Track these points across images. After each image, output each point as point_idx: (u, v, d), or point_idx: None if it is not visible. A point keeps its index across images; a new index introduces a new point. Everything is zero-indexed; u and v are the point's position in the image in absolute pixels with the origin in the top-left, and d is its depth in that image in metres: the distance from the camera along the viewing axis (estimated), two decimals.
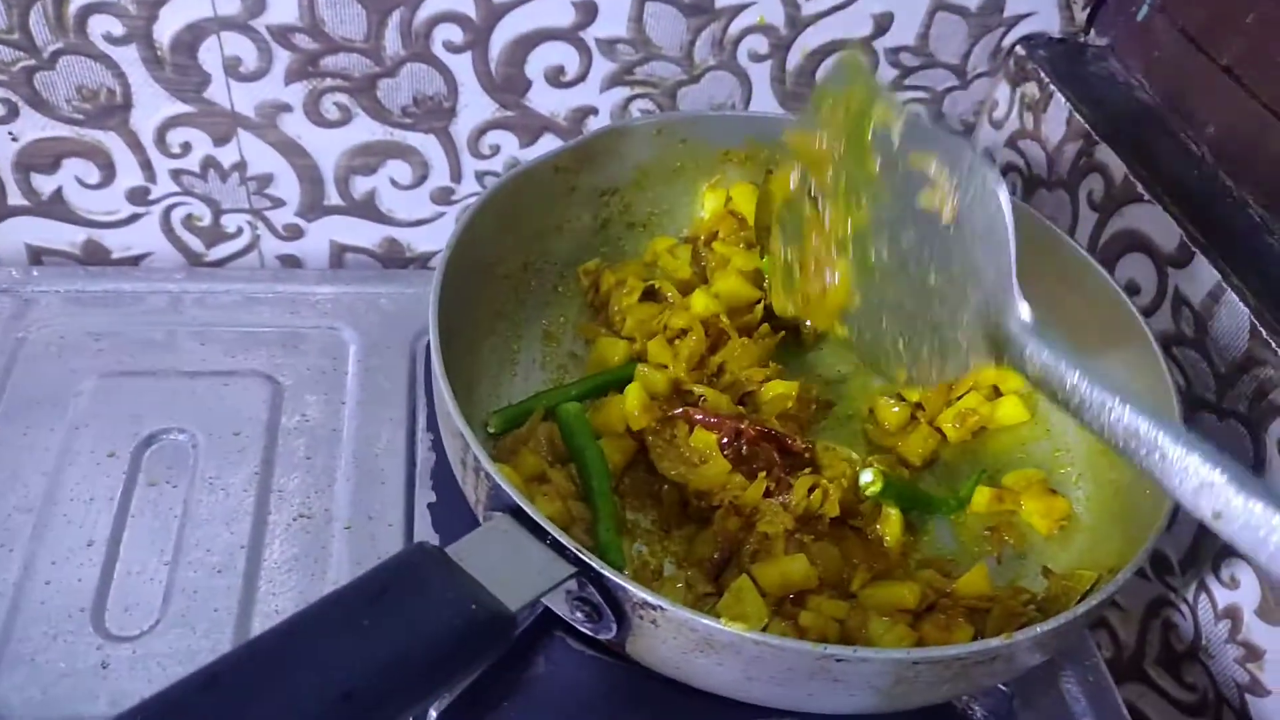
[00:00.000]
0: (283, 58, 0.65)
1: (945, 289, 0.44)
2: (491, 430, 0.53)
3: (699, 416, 0.53)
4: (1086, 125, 0.66)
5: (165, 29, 0.63)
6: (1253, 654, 0.53)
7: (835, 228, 0.47)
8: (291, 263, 0.75)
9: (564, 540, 0.41)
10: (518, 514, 0.42)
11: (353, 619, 0.34)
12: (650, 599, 0.40)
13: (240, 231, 0.73)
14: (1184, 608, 0.58)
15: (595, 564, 0.41)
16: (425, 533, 0.54)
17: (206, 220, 0.72)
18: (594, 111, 0.71)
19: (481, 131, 0.70)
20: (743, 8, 0.67)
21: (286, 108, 0.67)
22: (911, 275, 0.45)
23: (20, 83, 0.63)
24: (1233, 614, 0.54)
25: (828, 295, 0.48)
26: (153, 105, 0.66)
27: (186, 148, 0.68)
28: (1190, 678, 0.57)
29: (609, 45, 0.68)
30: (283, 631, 0.33)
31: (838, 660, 0.39)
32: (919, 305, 0.45)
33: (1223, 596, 0.54)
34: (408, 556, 0.38)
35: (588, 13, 0.66)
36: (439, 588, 0.37)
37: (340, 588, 0.35)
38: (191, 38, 0.63)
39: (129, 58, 0.63)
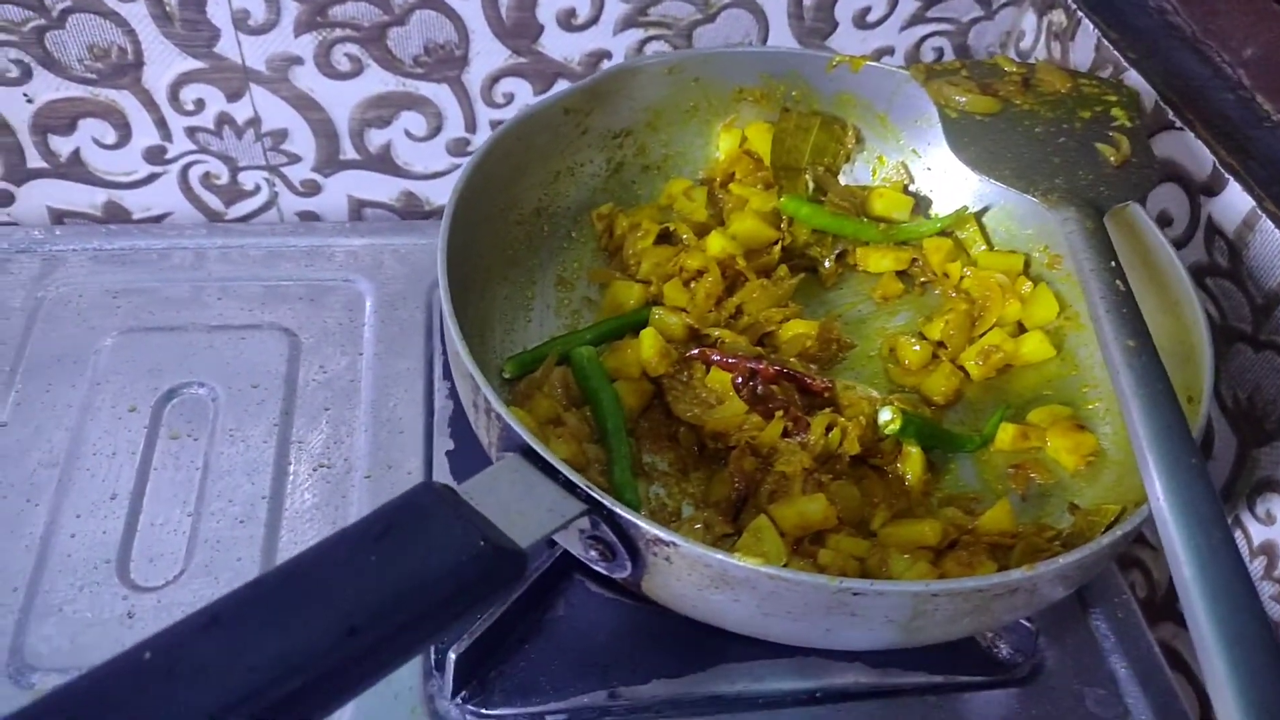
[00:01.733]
0: (291, 9, 0.64)
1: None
2: (507, 375, 0.53)
3: (715, 357, 0.52)
4: (1115, 51, 0.63)
5: None
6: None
7: None
8: (310, 219, 0.75)
9: (575, 479, 0.41)
10: (529, 454, 0.42)
11: (357, 556, 0.34)
12: (663, 535, 0.40)
13: (258, 189, 0.73)
14: None
15: (607, 501, 0.40)
16: (443, 479, 0.54)
17: (224, 178, 0.72)
18: (608, 55, 0.70)
19: (495, 79, 0.70)
20: None
21: (298, 60, 0.67)
22: None
23: (31, 43, 0.63)
24: (1268, 550, 0.52)
25: None
26: (164, 62, 0.66)
27: (200, 104, 0.68)
28: None
29: None
30: (285, 570, 0.33)
31: (854, 594, 0.39)
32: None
33: (1258, 533, 0.53)
34: (415, 495, 0.37)
35: None
36: (447, 525, 0.37)
37: (345, 526, 0.35)
38: None
39: (138, 14, 0.63)
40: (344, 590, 0.33)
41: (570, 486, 0.41)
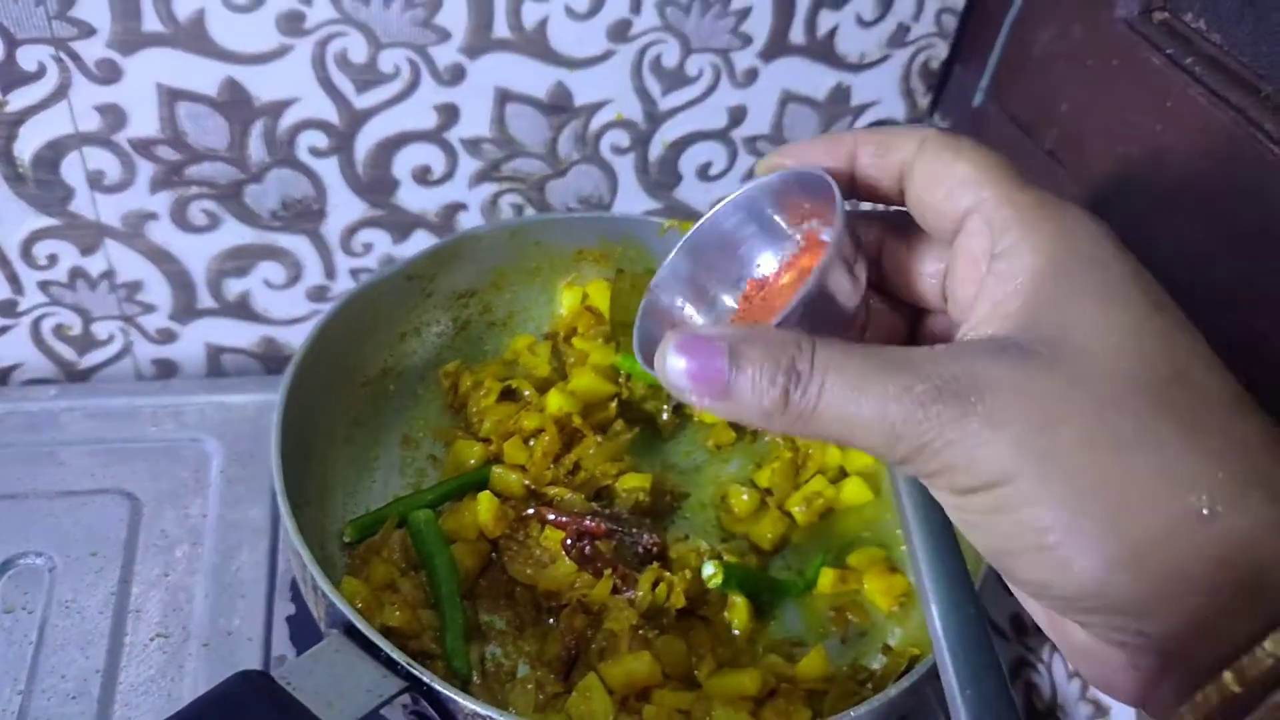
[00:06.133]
0: (146, 169, 0.66)
1: None
2: (347, 539, 0.54)
3: (550, 516, 0.54)
4: None
5: (26, 147, 0.63)
6: (1100, 710, 0.55)
7: None
8: (166, 367, 0.75)
9: (396, 655, 0.42)
10: (351, 631, 0.43)
11: None
12: (480, 710, 0.41)
13: (112, 338, 0.73)
14: (1041, 668, 0.60)
15: (425, 677, 0.42)
16: (283, 646, 0.54)
17: (77, 329, 0.72)
18: (463, 207, 0.73)
19: (353, 231, 0.72)
20: (600, 105, 0.70)
21: (153, 216, 0.68)
22: None
23: None
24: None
25: None
26: (16, 220, 0.66)
27: (54, 259, 0.69)
28: None
29: (473, 145, 0.70)
30: None
31: None
32: None
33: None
34: (230, 686, 0.38)
35: (449, 115, 0.68)
36: (259, 718, 0.38)
37: None
38: (53, 154, 0.64)
39: None
40: None
41: (391, 664, 0.42)
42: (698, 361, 0.28)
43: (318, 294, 0.75)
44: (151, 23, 0.60)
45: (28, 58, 0.60)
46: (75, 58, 0.60)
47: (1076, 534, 0.25)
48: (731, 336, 0.28)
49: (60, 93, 0.62)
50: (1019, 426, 0.26)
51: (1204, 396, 0.26)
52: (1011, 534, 0.26)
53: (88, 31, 0.60)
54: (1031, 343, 0.27)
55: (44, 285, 0.70)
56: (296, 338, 0.76)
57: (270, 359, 0.77)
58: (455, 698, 0.41)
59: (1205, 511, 0.25)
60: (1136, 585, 0.25)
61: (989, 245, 0.29)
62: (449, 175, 0.71)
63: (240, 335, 0.75)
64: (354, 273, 0.74)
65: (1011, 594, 0.32)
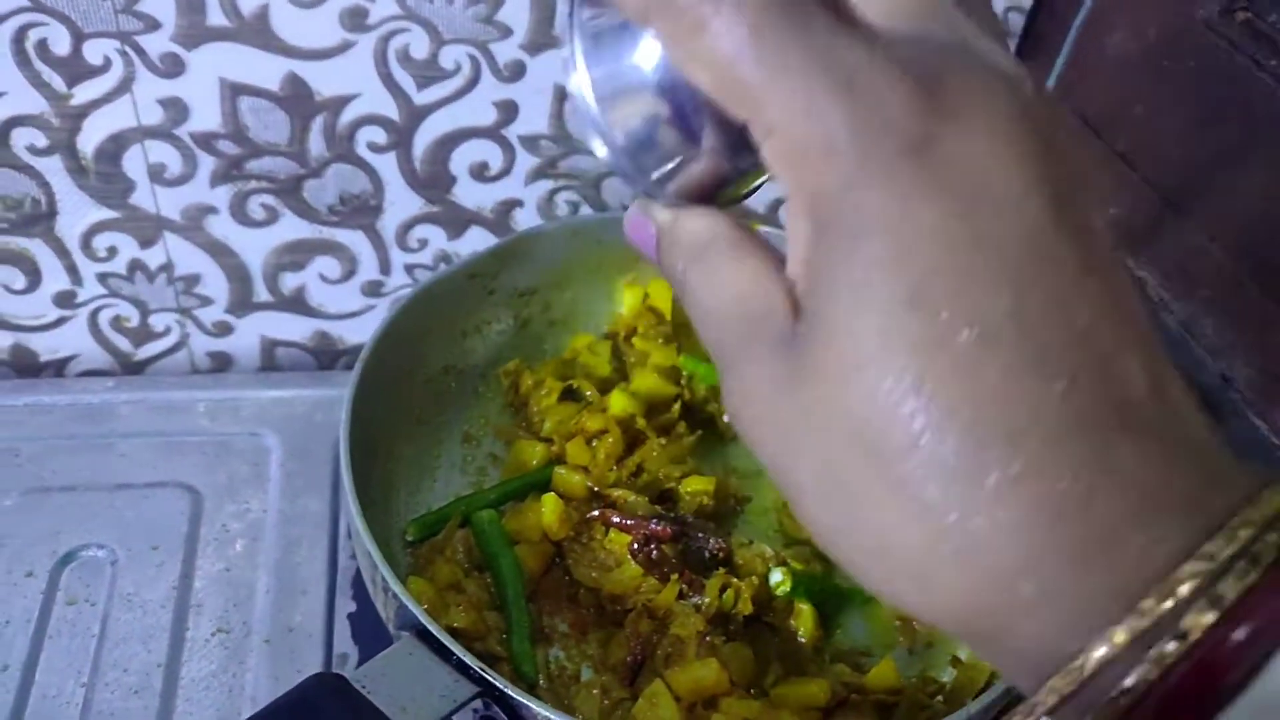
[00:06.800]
0: (207, 163, 0.66)
1: None
2: (410, 539, 0.54)
3: (615, 519, 0.53)
4: None
5: (89, 140, 0.63)
6: None
7: None
8: (222, 359, 0.75)
9: (469, 660, 0.41)
10: (423, 634, 0.43)
11: None
12: (554, 716, 0.41)
13: (169, 330, 0.73)
14: None
15: (499, 683, 0.41)
16: (344, 644, 0.54)
17: (135, 321, 0.72)
18: (519, 204, 0.72)
19: (408, 227, 0.72)
20: None
21: (213, 210, 0.68)
22: None
23: None
24: None
25: None
26: (78, 212, 0.67)
27: (113, 251, 0.69)
28: None
29: (531, 141, 0.69)
30: None
31: None
32: None
33: None
34: (305, 690, 0.38)
35: (508, 111, 0.67)
36: None
37: None
38: (115, 147, 0.64)
39: (53, 168, 0.64)
40: None
41: (463, 667, 0.42)
42: None
43: (372, 289, 0.74)
44: (216, 17, 0.60)
45: (94, 51, 0.60)
46: (140, 51, 0.60)
47: None
48: None
49: (124, 86, 0.62)
50: None
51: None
52: None
53: (153, 25, 0.59)
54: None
55: (103, 277, 0.70)
56: (350, 332, 0.76)
57: (323, 353, 0.77)
58: (528, 703, 0.41)
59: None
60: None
61: None
62: (506, 172, 0.70)
63: (294, 329, 0.75)
64: (409, 268, 0.74)
65: None
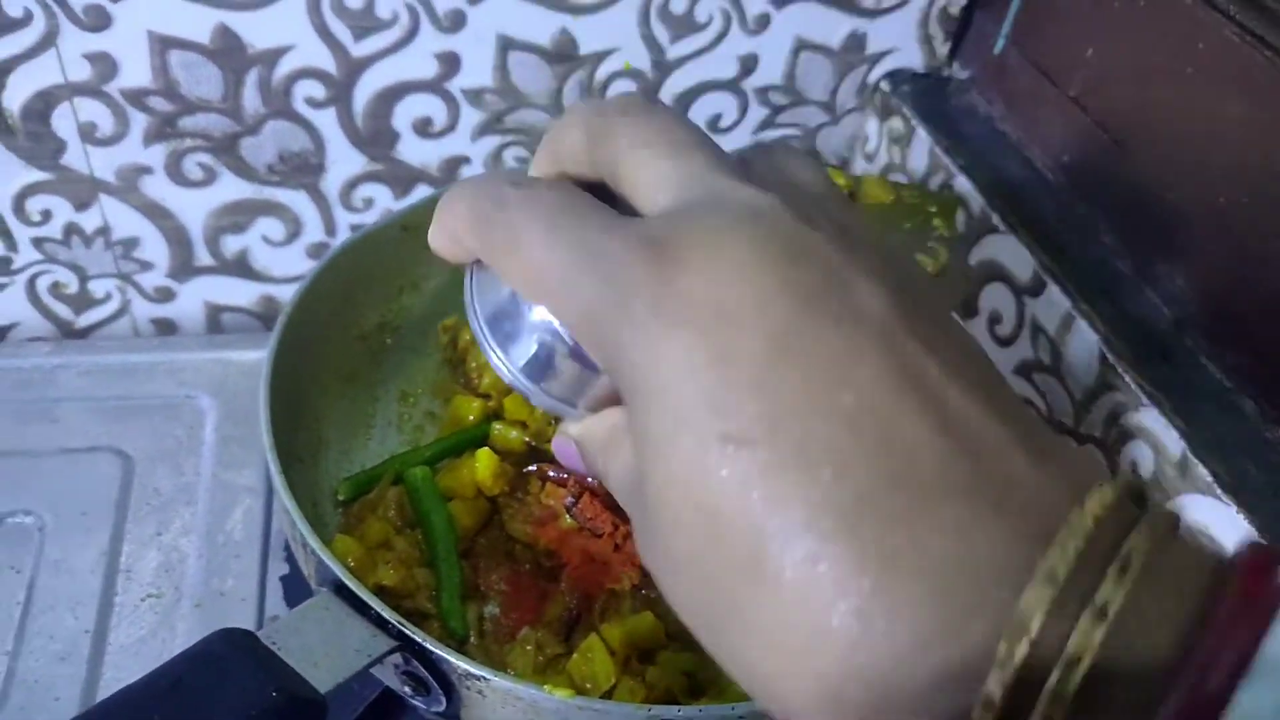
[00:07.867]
0: (140, 120, 0.64)
1: None
2: (341, 498, 0.53)
3: (551, 473, 0.52)
4: (946, 158, 0.67)
5: (14, 98, 0.62)
6: None
7: None
8: (166, 326, 0.74)
9: (386, 614, 0.40)
10: (341, 589, 0.41)
11: (139, 715, 0.34)
12: (473, 669, 0.39)
13: (109, 297, 0.72)
14: None
15: (417, 636, 0.40)
16: (278, 607, 0.53)
17: (74, 287, 0.71)
18: (467, 160, 0.71)
19: (352, 185, 0.70)
20: (607, 53, 0.68)
21: (148, 170, 0.66)
22: None
23: None
24: None
25: None
26: (8, 175, 0.65)
27: (47, 215, 0.67)
28: None
29: (475, 95, 0.67)
30: None
31: None
32: None
33: None
34: (209, 644, 0.37)
35: (450, 64, 0.66)
36: (239, 676, 0.36)
37: (131, 683, 0.34)
38: (43, 105, 0.62)
39: None
40: None
41: (381, 623, 0.40)
42: None
43: (317, 251, 0.73)
44: None
45: (13, 4, 0.58)
46: (62, 3, 0.58)
47: None
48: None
49: (48, 40, 0.60)
50: None
51: None
52: None
53: None
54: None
55: (38, 242, 0.68)
56: None
57: (271, 318, 0.75)
58: (447, 657, 0.39)
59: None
60: None
61: None
62: (451, 127, 0.69)
63: (240, 294, 0.74)
64: (354, 228, 0.72)
65: None
